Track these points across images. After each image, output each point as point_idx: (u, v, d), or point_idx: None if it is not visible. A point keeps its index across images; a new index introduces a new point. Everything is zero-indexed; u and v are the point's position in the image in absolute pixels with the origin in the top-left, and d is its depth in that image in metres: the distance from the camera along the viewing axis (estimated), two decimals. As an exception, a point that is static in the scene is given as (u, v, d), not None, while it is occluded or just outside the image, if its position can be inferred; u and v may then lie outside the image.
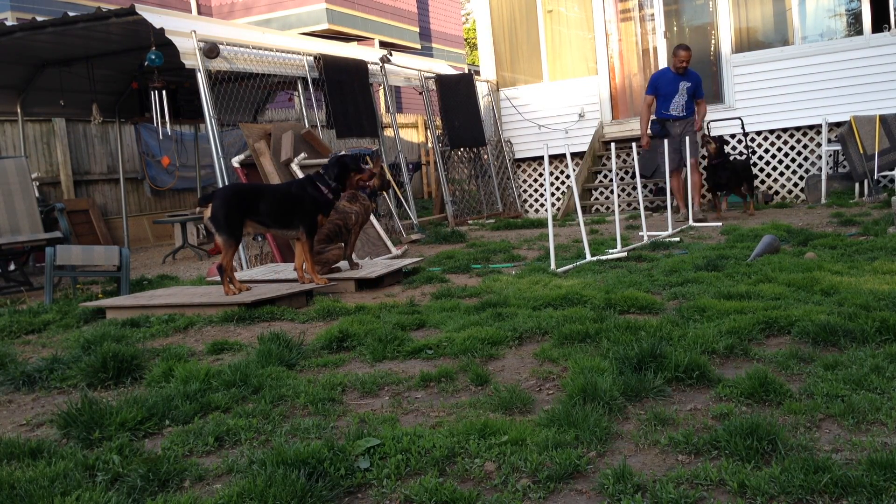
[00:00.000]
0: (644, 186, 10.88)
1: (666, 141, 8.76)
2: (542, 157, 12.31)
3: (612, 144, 7.71)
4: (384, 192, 9.63)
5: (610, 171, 11.39)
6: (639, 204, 8.52)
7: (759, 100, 10.63)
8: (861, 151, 9.43)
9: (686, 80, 8.85)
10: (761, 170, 10.92)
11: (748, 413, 2.53)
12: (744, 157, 10.30)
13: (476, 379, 3.12)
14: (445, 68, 12.34)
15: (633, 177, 11.05)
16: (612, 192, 11.50)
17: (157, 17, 7.14)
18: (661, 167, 10.14)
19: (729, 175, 8.75)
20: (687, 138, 8.72)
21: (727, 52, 10.84)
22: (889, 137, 9.43)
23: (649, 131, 9.06)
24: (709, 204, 9.70)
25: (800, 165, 10.71)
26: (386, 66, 10.19)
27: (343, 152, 8.25)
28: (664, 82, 8.95)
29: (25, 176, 7.25)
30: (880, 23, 10.13)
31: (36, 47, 8.56)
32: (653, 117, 9.07)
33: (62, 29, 7.63)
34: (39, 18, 7.88)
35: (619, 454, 2.32)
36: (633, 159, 11.11)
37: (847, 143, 9.55)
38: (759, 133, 10.83)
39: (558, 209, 11.13)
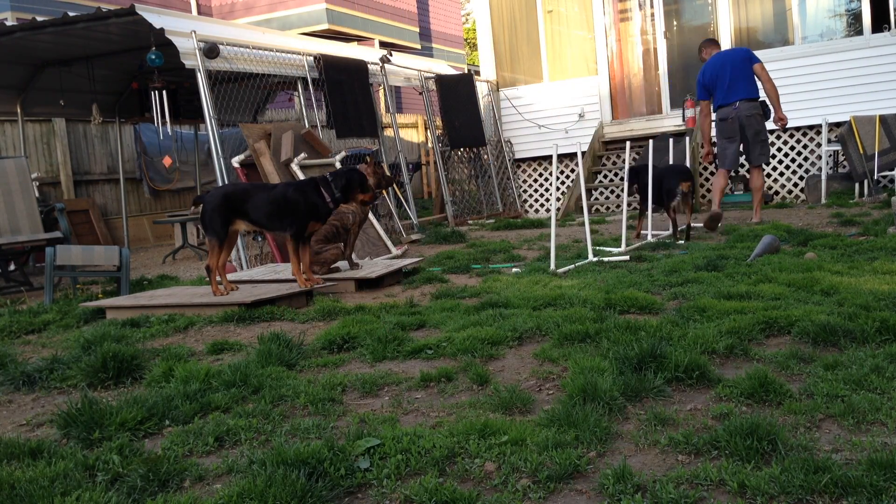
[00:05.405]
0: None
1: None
2: (541, 158, 12.34)
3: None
4: (384, 192, 9.64)
5: (609, 171, 11.40)
6: (639, 204, 8.48)
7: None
8: (861, 151, 9.43)
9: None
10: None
11: (748, 413, 2.53)
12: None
13: (476, 379, 3.12)
14: (445, 68, 12.34)
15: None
16: (611, 192, 11.51)
17: (156, 17, 7.14)
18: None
19: None
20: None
21: (727, 52, 10.83)
22: (889, 137, 9.43)
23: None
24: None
25: (800, 165, 10.71)
26: (386, 66, 10.18)
27: (344, 156, 8.27)
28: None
29: (25, 176, 7.25)
30: (880, 23, 10.13)
31: (36, 47, 8.56)
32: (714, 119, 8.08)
33: (62, 29, 7.63)
34: (39, 18, 7.88)
35: (619, 454, 2.32)
36: (633, 159, 11.12)
37: (847, 143, 9.55)
38: (759, 133, 10.81)
39: (558, 209, 11.13)
